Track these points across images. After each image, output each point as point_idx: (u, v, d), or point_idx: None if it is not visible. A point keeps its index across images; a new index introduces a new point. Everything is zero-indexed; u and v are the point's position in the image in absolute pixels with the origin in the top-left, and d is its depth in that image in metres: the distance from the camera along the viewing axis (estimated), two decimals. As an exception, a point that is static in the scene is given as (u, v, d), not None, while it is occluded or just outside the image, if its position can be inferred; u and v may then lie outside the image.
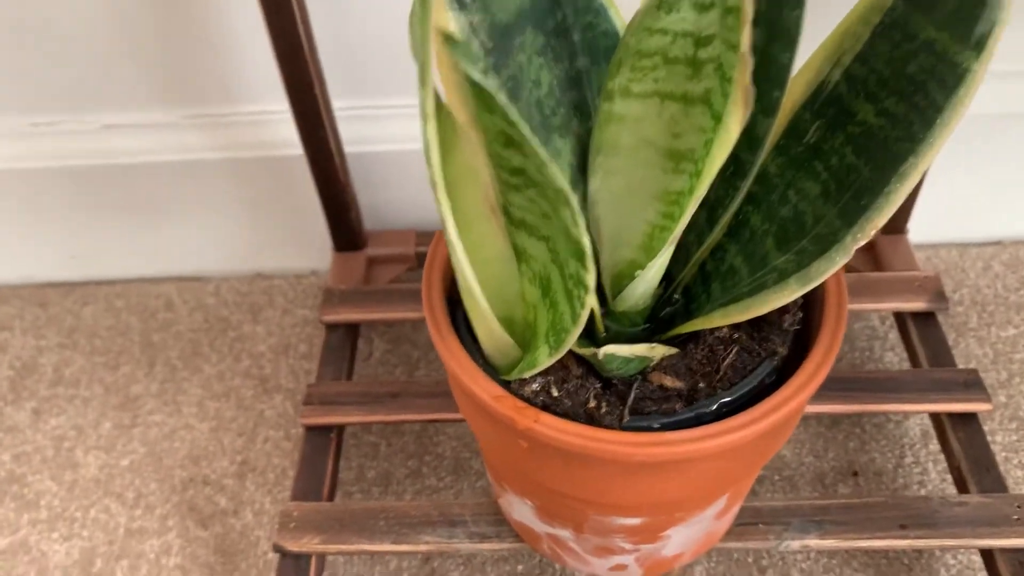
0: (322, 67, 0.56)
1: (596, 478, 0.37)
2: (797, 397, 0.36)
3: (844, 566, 0.53)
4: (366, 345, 0.66)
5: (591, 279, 0.31)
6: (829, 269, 0.33)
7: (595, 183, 0.37)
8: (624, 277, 0.40)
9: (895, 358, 0.63)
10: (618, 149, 0.36)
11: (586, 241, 0.30)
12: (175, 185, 0.65)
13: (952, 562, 0.53)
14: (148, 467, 0.60)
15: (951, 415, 0.54)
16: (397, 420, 0.55)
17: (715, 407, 0.37)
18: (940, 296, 0.59)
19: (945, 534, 0.48)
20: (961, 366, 0.62)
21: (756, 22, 0.35)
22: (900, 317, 0.61)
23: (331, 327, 0.61)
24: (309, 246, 0.70)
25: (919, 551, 0.54)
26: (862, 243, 0.33)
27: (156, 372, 0.66)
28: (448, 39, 0.26)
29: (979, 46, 0.29)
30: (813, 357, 0.37)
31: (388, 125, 0.63)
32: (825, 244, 0.33)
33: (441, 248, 0.41)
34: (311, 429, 0.55)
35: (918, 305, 0.59)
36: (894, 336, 0.65)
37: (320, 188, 0.62)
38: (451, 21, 0.28)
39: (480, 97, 0.28)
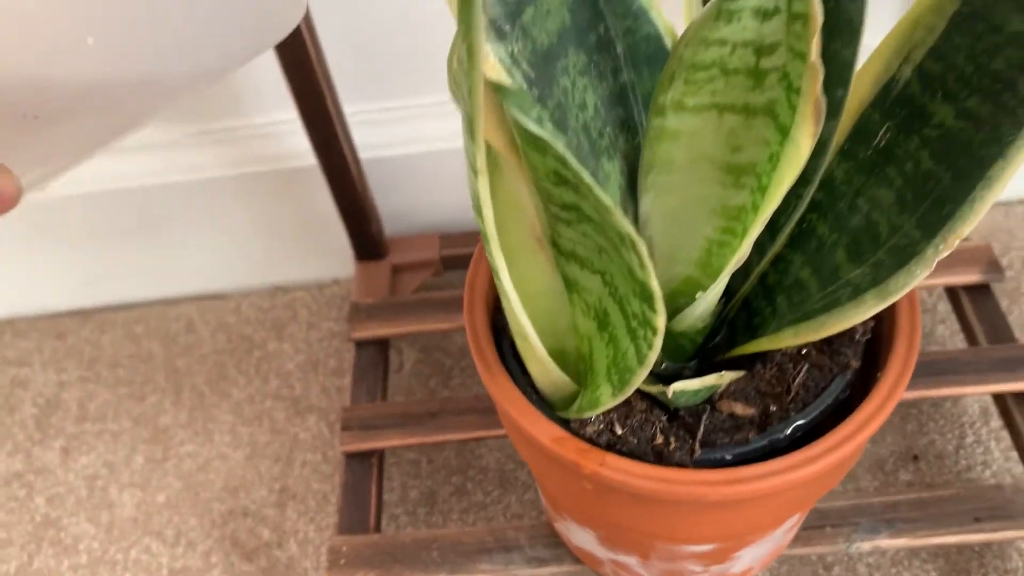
0: (330, 73, 0.54)
1: (667, 516, 0.35)
2: (876, 417, 0.34)
3: (912, 557, 0.51)
4: (396, 356, 0.64)
5: (661, 321, 0.28)
6: (910, 283, 0.31)
7: (647, 202, 0.34)
8: (680, 295, 0.37)
9: (946, 331, 0.61)
10: (671, 166, 0.33)
11: (655, 285, 0.27)
12: (186, 205, 0.63)
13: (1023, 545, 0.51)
14: (185, 502, 0.58)
15: (1015, 395, 0.52)
16: (438, 441, 0.53)
17: (789, 431, 0.35)
18: (994, 266, 0.57)
19: (1022, 524, 0.46)
20: (1018, 335, 0.60)
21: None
22: (952, 291, 0.58)
23: (360, 344, 0.59)
24: (329, 254, 0.67)
25: (992, 539, 0.52)
26: (945, 255, 0.30)
27: (183, 400, 0.64)
28: (500, 88, 0.23)
29: (1075, 38, 0.26)
30: (890, 372, 0.34)
31: (402, 127, 0.61)
32: (904, 257, 0.31)
33: (480, 275, 0.39)
34: (351, 456, 0.53)
35: (971, 278, 0.57)
36: (944, 307, 0.62)
37: (337, 199, 0.59)
38: (497, 66, 0.25)
39: (530, 139, 0.26)
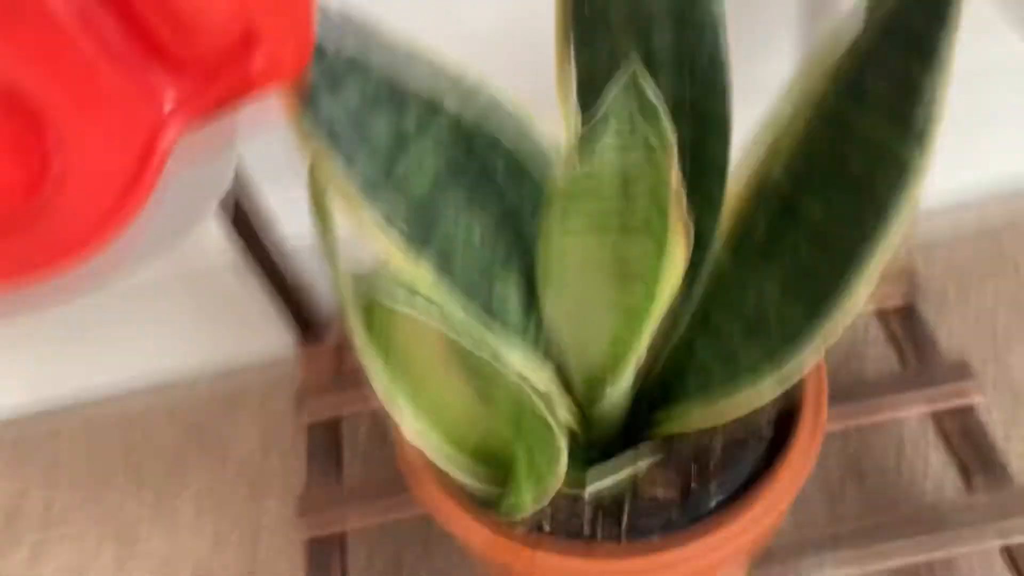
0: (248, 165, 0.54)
1: (605, 600, 0.36)
2: (792, 486, 0.35)
3: (865, 580, 0.53)
4: (349, 429, 0.65)
5: (563, 445, 0.30)
6: (803, 367, 0.32)
7: (548, 308, 0.36)
8: (596, 381, 0.39)
9: (878, 352, 0.63)
10: (565, 278, 0.34)
11: (553, 423, 0.29)
12: (127, 305, 0.63)
13: (973, 555, 0.53)
14: (155, 599, 0.59)
15: (946, 411, 0.53)
16: (397, 519, 0.54)
17: (712, 504, 0.36)
18: (916, 287, 0.59)
19: (962, 540, 0.48)
20: (946, 343, 0.62)
21: (683, 116, 0.34)
22: (881, 314, 0.60)
23: (311, 427, 0.59)
24: (272, 335, 0.68)
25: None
26: (832, 341, 0.32)
27: (144, 494, 0.64)
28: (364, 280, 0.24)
29: (920, 139, 0.28)
30: (795, 451, 0.36)
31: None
32: (796, 344, 0.32)
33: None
34: (313, 541, 0.54)
35: (895, 302, 0.58)
36: (874, 326, 0.64)
37: (273, 292, 0.60)
38: (373, 229, 0.27)
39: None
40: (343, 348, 0.64)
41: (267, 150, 0.55)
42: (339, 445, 0.59)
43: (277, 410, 0.67)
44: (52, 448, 0.68)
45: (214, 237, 0.61)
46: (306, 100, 0.27)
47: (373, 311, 0.27)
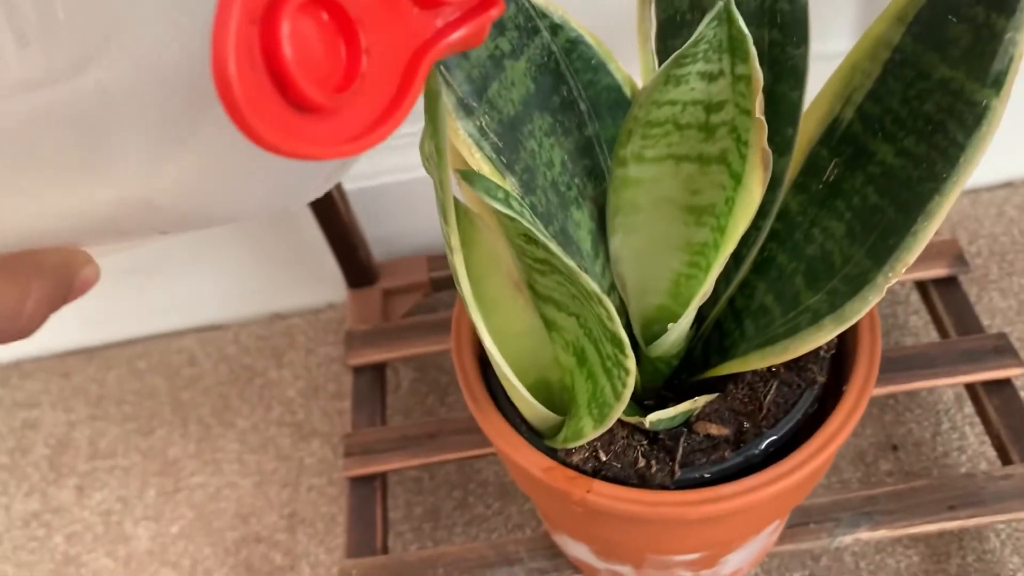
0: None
1: (654, 532, 0.38)
2: (842, 431, 0.36)
3: (895, 543, 0.54)
4: (393, 376, 0.66)
5: (632, 364, 0.31)
6: (863, 309, 0.33)
7: (616, 241, 0.37)
8: (654, 322, 0.40)
9: (919, 321, 0.63)
10: (637, 208, 0.35)
11: (623, 335, 0.30)
12: (182, 245, 0.65)
13: (1001, 526, 0.54)
14: (199, 532, 0.61)
15: (985, 383, 0.54)
16: (438, 461, 0.55)
17: (763, 446, 0.37)
18: (960, 260, 0.59)
19: (994, 510, 0.49)
20: (986, 321, 0.62)
21: (762, 59, 0.35)
22: (922, 285, 0.60)
23: (358, 370, 0.61)
24: (322, 281, 0.70)
25: (969, 523, 0.54)
26: (894, 281, 0.32)
27: (190, 432, 0.66)
28: (466, 175, 0.25)
29: (997, 84, 0.29)
30: (852, 388, 0.37)
31: (386, 157, 0.63)
32: (856, 284, 0.33)
33: (465, 318, 0.41)
34: (355, 480, 0.55)
35: (938, 272, 0.59)
36: (915, 298, 0.64)
37: (326, 232, 0.61)
38: (466, 141, 0.28)
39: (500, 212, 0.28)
40: (391, 294, 0.65)
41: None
42: (384, 388, 0.61)
43: (325, 356, 0.68)
44: (103, 383, 0.70)
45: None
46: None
47: (461, 226, 0.28)
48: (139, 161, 0.21)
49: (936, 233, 0.61)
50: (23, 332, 0.25)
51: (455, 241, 0.26)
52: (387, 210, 0.65)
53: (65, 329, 0.71)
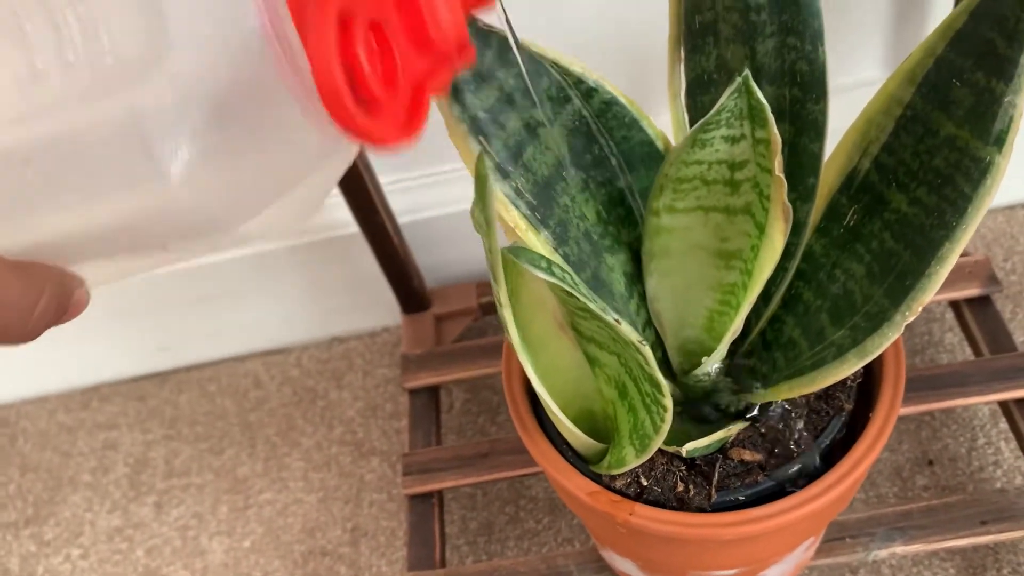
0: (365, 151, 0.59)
1: (693, 551, 0.41)
2: (869, 455, 0.39)
3: (932, 556, 0.56)
4: (447, 397, 0.70)
5: (669, 403, 0.34)
6: (883, 344, 0.35)
7: (652, 282, 0.40)
8: (691, 354, 0.43)
9: (954, 339, 0.65)
10: (670, 253, 0.38)
11: (660, 377, 0.33)
12: (249, 275, 0.69)
13: (1036, 540, 0.56)
14: (268, 546, 0.65)
15: (1018, 401, 0.56)
16: (491, 479, 0.58)
17: (794, 470, 0.40)
18: (992, 280, 0.61)
19: (1026, 525, 0.51)
20: (1021, 339, 0.64)
21: (784, 115, 0.38)
22: (955, 304, 0.62)
23: (413, 392, 0.65)
24: (378, 306, 0.74)
25: (1003, 536, 0.56)
26: (911, 319, 0.35)
27: (258, 451, 0.70)
28: (512, 250, 0.29)
29: (999, 141, 0.31)
30: (878, 415, 0.39)
31: (434, 191, 0.66)
32: (877, 322, 0.36)
33: (514, 353, 0.44)
34: (414, 497, 0.59)
35: (972, 292, 0.61)
36: (950, 316, 0.66)
37: (381, 262, 0.65)
38: (504, 201, 0.31)
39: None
40: (442, 319, 0.69)
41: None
42: (438, 409, 0.64)
43: (382, 377, 0.72)
44: (176, 405, 0.74)
45: (328, 215, 0.67)
46: (455, 93, 0.32)
47: (508, 277, 0.32)
48: (166, 171, 0.24)
49: (969, 252, 0.63)
50: (30, 333, 0.26)
51: (504, 298, 0.29)
52: (436, 241, 0.69)
53: (140, 355, 0.76)
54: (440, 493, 0.60)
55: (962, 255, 0.63)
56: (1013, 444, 0.60)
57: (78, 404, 0.77)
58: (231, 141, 0.24)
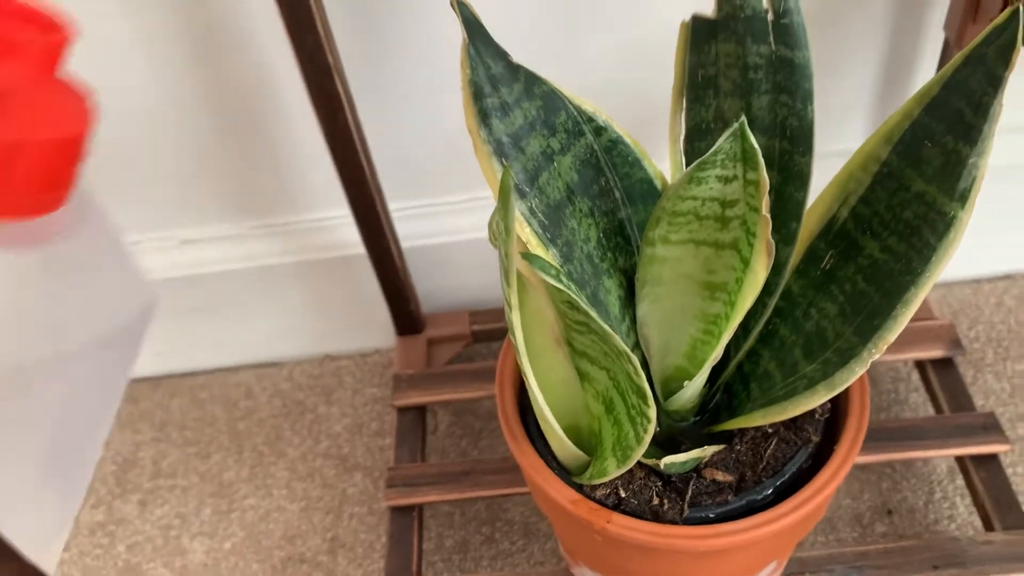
0: (379, 176, 0.63)
1: (665, 563, 0.43)
2: (832, 482, 0.42)
3: (886, 600, 0.59)
4: (432, 418, 0.73)
5: (653, 413, 0.37)
6: (850, 378, 0.39)
7: (643, 308, 0.43)
8: (673, 380, 0.46)
9: (919, 398, 0.69)
10: (661, 282, 0.42)
11: (647, 387, 0.36)
12: (248, 287, 0.72)
13: (985, 590, 0.59)
14: (249, 549, 0.67)
15: (973, 457, 0.59)
16: (471, 497, 0.61)
17: (762, 495, 0.43)
18: (956, 343, 0.65)
19: (974, 572, 0.54)
20: (980, 402, 0.68)
21: (773, 165, 0.41)
22: (920, 364, 0.66)
23: (402, 410, 0.67)
24: (372, 327, 0.76)
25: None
26: (876, 356, 0.38)
27: (245, 458, 0.72)
28: (527, 255, 0.32)
29: (963, 198, 0.35)
30: (842, 446, 0.43)
31: (437, 220, 0.70)
32: (845, 357, 0.39)
33: (508, 364, 0.48)
34: (396, 509, 0.61)
35: (936, 353, 0.65)
36: (916, 377, 0.70)
37: (382, 282, 0.68)
38: (520, 218, 0.34)
39: (550, 284, 0.34)
40: (435, 343, 0.72)
41: (383, 168, 0.64)
42: (424, 428, 0.67)
43: (370, 396, 0.75)
44: (167, 409, 0.76)
45: (334, 235, 0.70)
46: (484, 118, 0.36)
47: (517, 287, 0.35)
48: None
49: (935, 318, 0.67)
50: None
51: (514, 300, 0.32)
52: (436, 268, 0.72)
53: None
54: (421, 508, 0.62)
55: (929, 319, 0.68)
56: (968, 500, 0.63)
57: (70, 401, 0.79)
58: None
